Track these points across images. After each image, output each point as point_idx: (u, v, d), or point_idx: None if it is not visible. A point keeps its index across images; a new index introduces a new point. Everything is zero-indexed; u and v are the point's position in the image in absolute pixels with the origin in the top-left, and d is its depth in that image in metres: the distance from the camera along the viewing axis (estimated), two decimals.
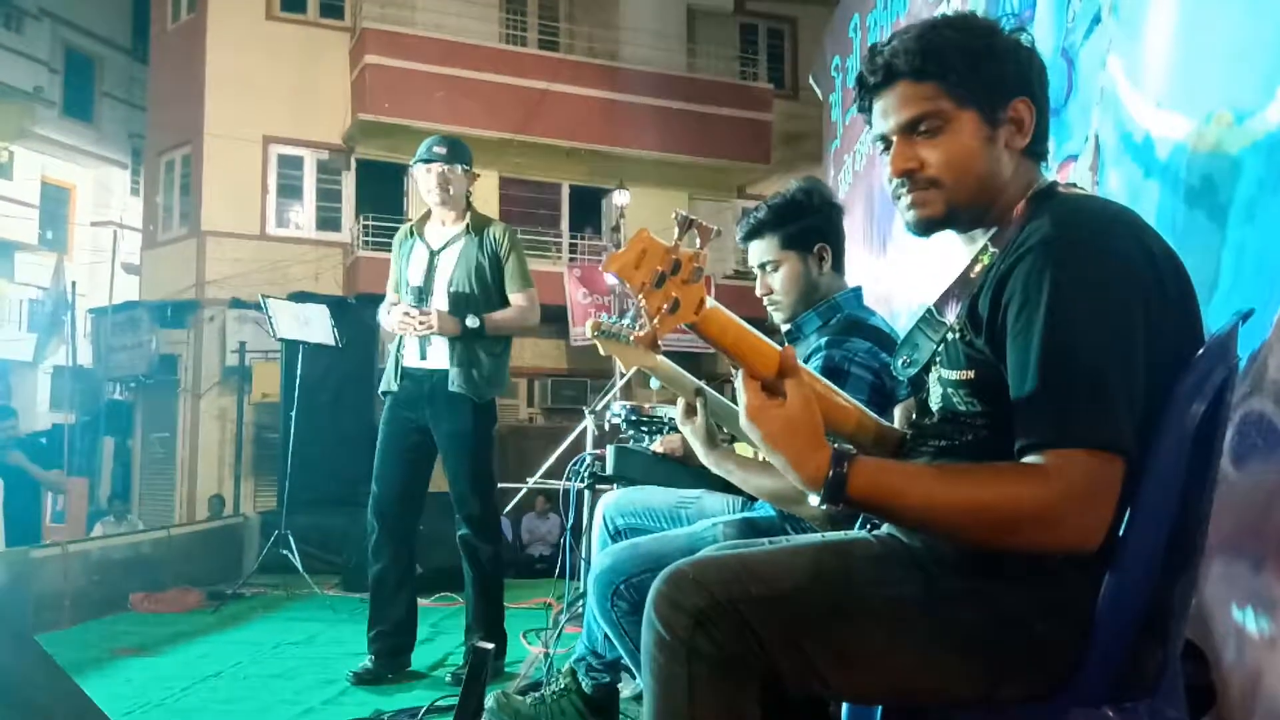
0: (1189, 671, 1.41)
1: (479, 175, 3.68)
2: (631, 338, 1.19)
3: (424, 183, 3.54)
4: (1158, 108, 1.93)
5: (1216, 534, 1.57)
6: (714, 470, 1.75)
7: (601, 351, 1.67)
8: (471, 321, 3.45)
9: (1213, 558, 1.64)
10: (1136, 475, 1.13)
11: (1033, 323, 1.12)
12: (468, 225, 3.58)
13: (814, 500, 1.15)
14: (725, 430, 1.80)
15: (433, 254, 3.59)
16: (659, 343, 1.20)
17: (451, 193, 3.53)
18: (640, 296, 1.17)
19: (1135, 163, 1.99)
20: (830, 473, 1.13)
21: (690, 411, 1.68)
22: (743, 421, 1.19)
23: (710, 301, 1.21)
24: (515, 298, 3.61)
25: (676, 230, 1.19)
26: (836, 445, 1.17)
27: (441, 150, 3.53)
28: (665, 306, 1.16)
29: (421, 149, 3.57)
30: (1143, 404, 1.11)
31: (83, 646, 4.13)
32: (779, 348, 1.37)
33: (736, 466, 1.73)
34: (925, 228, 1.32)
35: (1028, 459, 1.11)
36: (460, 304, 3.51)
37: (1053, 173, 1.35)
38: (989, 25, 1.29)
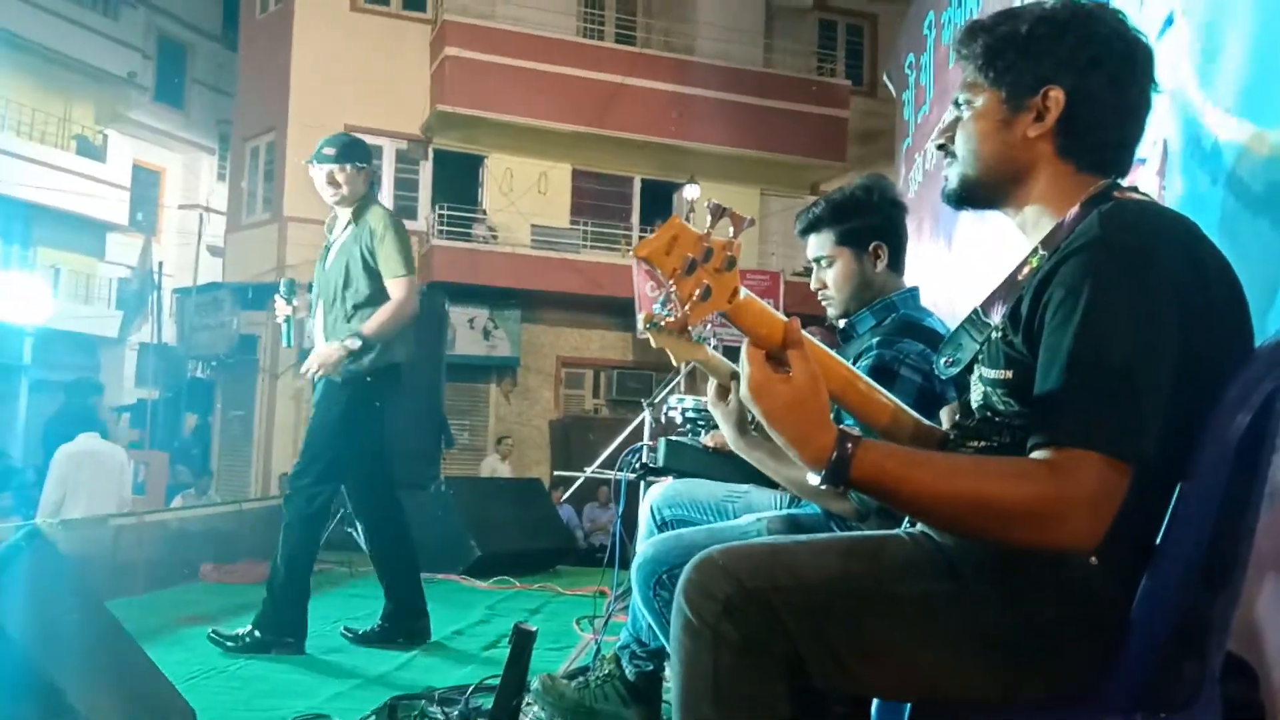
0: (1236, 688, 1.39)
1: (369, 169, 3.73)
2: (662, 323, 1.21)
3: (316, 182, 3.65)
4: (1227, 114, 1.88)
5: (1270, 548, 1.53)
6: (744, 456, 1.74)
7: (654, 344, 1.69)
8: (352, 343, 3.47)
9: (1265, 573, 1.60)
10: (1171, 485, 1.12)
11: (1068, 321, 1.12)
12: (351, 216, 3.65)
13: (814, 480, 1.15)
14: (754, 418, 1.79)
15: (325, 251, 3.73)
16: (690, 331, 1.21)
17: (345, 191, 3.62)
18: (671, 283, 1.18)
19: (1202, 169, 1.94)
20: (834, 454, 1.12)
21: (723, 394, 1.67)
22: (744, 393, 1.17)
23: (745, 292, 1.22)
24: (390, 286, 3.58)
25: (709, 218, 1.20)
26: (843, 427, 1.16)
27: (330, 151, 3.63)
28: (697, 293, 1.17)
29: (315, 150, 3.67)
30: (1167, 416, 1.09)
31: (153, 614, 4.29)
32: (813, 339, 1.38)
33: (768, 455, 1.71)
34: (949, 198, 1.37)
35: (1038, 454, 1.11)
36: (330, 306, 3.63)
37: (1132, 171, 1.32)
38: (1041, 12, 1.27)
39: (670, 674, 1.28)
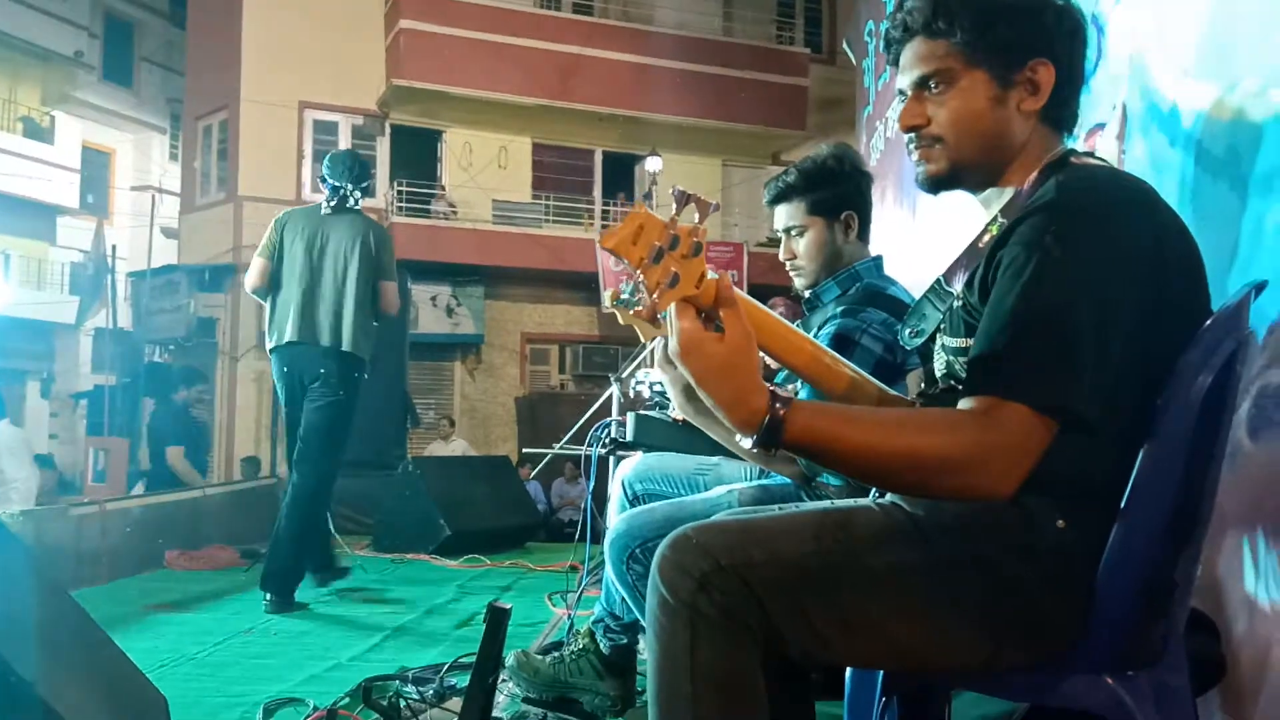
0: (1199, 643, 1.42)
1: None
2: (631, 310, 1.20)
3: None
4: (1185, 76, 1.90)
5: (1231, 506, 1.57)
6: (692, 422, 1.73)
7: (621, 321, 1.68)
8: None
9: (1226, 530, 1.64)
10: (1136, 446, 1.13)
11: (1016, 279, 1.12)
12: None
13: (745, 443, 1.14)
14: None
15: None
16: (659, 316, 1.19)
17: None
18: (639, 272, 1.17)
19: (1161, 132, 1.96)
20: (767, 416, 1.11)
21: (670, 358, 1.65)
22: (672, 349, 1.14)
23: (712, 274, 1.22)
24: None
25: (674, 205, 1.19)
26: (773, 387, 1.14)
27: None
28: (664, 281, 1.16)
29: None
30: (1126, 378, 1.11)
31: (119, 602, 4.24)
32: (791, 325, 1.37)
33: (715, 421, 1.70)
34: (931, 184, 1.33)
35: (966, 403, 1.12)
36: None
37: (1080, 141, 1.33)
38: None
39: (646, 651, 1.29)
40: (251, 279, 4.26)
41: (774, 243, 2.29)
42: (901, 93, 1.34)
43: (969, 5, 1.25)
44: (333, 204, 4.32)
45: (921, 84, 1.29)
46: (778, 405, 1.12)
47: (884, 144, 5.22)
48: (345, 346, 4.14)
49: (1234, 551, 1.64)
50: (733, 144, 14.47)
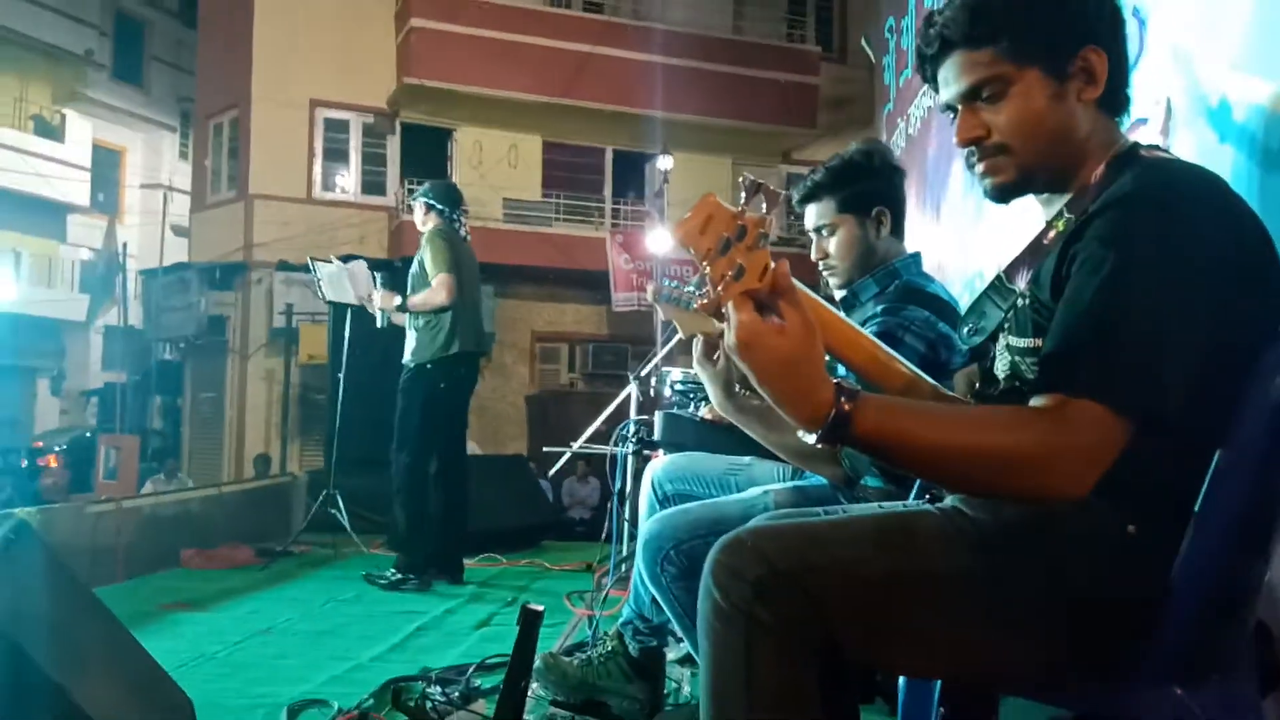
0: (1261, 651, 1.38)
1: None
2: (695, 304, 1.16)
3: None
4: (1234, 69, 1.86)
5: None
6: (732, 420, 1.69)
7: (660, 317, 1.65)
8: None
9: None
10: (1209, 450, 1.09)
11: (1095, 274, 1.08)
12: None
13: (809, 439, 1.09)
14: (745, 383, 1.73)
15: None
16: (723, 310, 1.16)
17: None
18: (704, 264, 1.14)
19: (1210, 126, 1.92)
20: (833, 411, 1.06)
21: (710, 352, 1.60)
22: (729, 343, 1.08)
23: (773, 266, 1.18)
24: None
25: (744, 195, 1.15)
26: (838, 381, 1.09)
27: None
28: (730, 273, 1.13)
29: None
30: (1203, 380, 1.06)
31: (135, 600, 4.23)
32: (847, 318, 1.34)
33: (756, 419, 1.67)
34: (1002, 194, 1.28)
35: (1039, 400, 1.08)
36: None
37: (1129, 132, 1.29)
38: None
39: (698, 657, 1.25)
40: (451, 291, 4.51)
41: (784, 241, 2.26)
42: (950, 107, 1.29)
43: (1009, 6, 1.21)
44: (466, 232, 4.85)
45: (972, 95, 1.25)
46: (844, 400, 1.07)
47: (905, 141, 5.18)
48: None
49: None
50: (743, 142, 14.40)
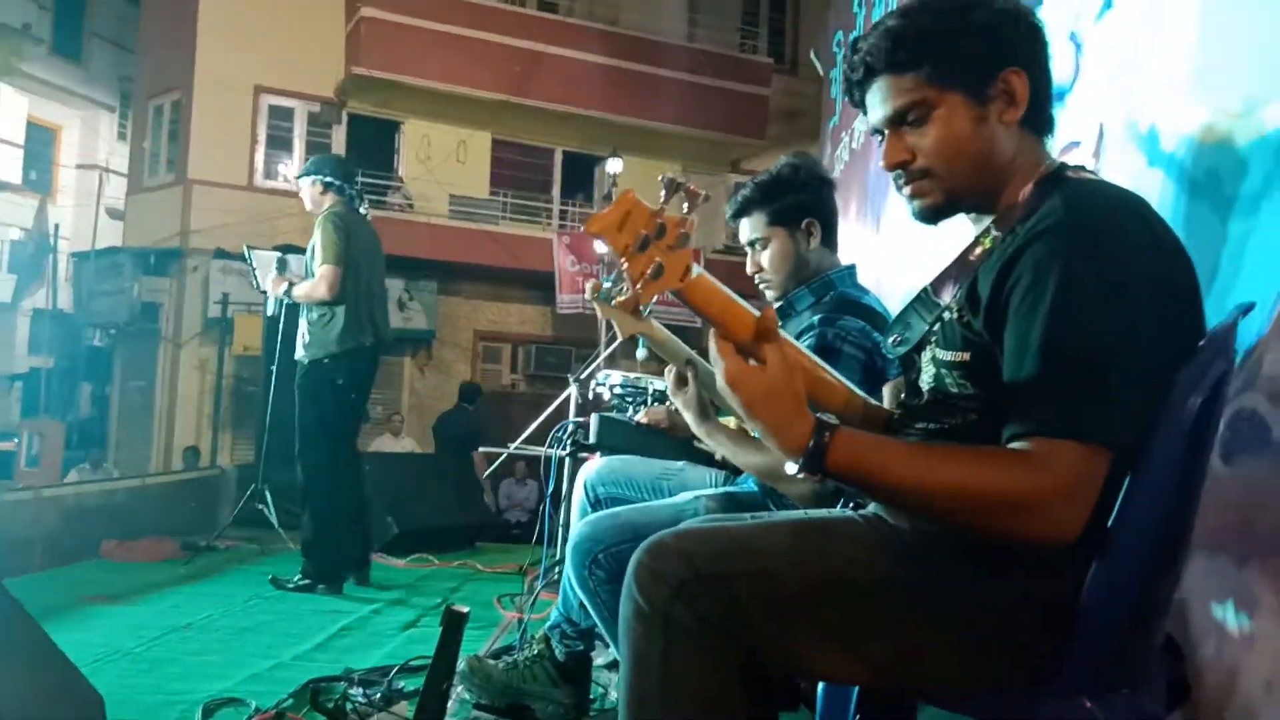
0: (1166, 665, 1.41)
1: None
2: (614, 301, 1.16)
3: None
4: (1166, 96, 1.90)
5: (1201, 529, 1.56)
6: (706, 443, 1.72)
7: (600, 315, 1.65)
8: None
9: (1195, 552, 1.63)
10: (1129, 466, 1.12)
11: (1037, 307, 1.10)
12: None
13: (791, 469, 1.14)
14: (716, 402, 1.78)
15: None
16: (641, 308, 1.16)
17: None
18: (623, 260, 1.14)
19: (1140, 151, 1.97)
20: (811, 442, 1.11)
21: (681, 382, 1.66)
22: (720, 386, 1.16)
23: (697, 269, 1.19)
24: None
25: (663, 193, 1.15)
26: (820, 415, 1.15)
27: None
28: (648, 271, 1.13)
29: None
30: (1144, 402, 1.09)
31: (52, 592, 4.11)
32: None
33: (727, 440, 1.70)
34: (929, 216, 1.30)
35: (1016, 445, 1.10)
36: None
37: (1055, 155, 1.31)
38: (965, 1, 1.25)
39: (618, 658, 1.25)
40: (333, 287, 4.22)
41: (730, 250, 2.29)
42: (877, 132, 1.31)
43: (929, 33, 1.23)
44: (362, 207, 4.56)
45: (898, 119, 1.27)
46: (824, 432, 1.11)
47: (849, 154, 5.24)
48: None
49: (1202, 574, 1.64)
50: (693, 150, 14.45)
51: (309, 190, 4.42)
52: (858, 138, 5.04)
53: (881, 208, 4.34)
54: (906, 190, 1.30)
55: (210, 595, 4.23)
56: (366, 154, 13.29)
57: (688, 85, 13.82)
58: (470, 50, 12.75)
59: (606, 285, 1.30)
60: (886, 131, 1.29)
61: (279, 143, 13.17)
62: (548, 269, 12.95)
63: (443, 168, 13.43)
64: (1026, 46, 1.25)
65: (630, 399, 2.96)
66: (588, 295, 1.47)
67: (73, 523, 5.28)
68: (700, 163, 14.55)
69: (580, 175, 14.66)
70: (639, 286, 1.15)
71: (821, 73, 6.53)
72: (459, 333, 13.87)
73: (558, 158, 14.53)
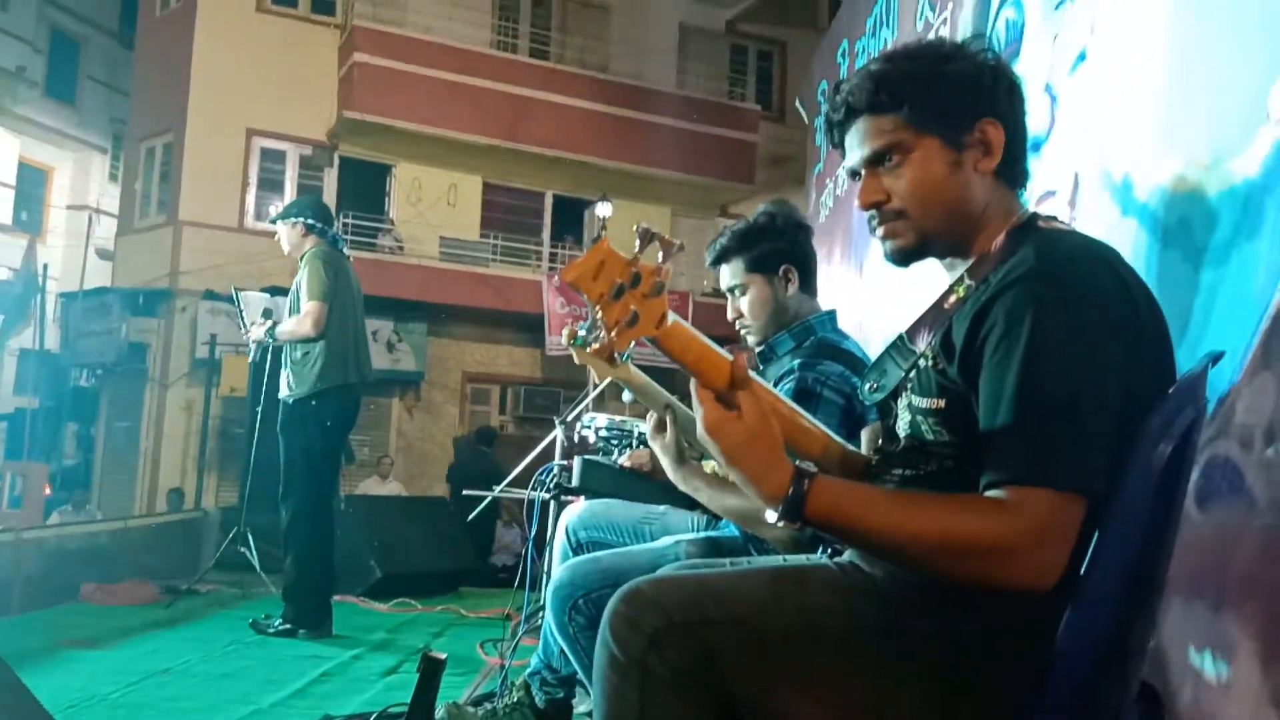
0: (1143, 711, 1.41)
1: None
2: (588, 349, 1.17)
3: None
4: (1138, 147, 1.94)
5: (1177, 575, 1.56)
6: (682, 488, 1.73)
7: (576, 360, 1.67)
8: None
9: (1172, 599, 1.64)
10: (1101, 512, 1.12)
11: (1011, 356, 1.11)
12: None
13: (771, 517, 1.13)
14: (694, 447, 1.78)
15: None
16: (616, 356, 1.17)
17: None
18: (597, 308, 1.15)
19: (1114, 201, 2.00)
20: (790, 490, 1.11)
21: (660, 427, 1.67)
22: (700, 434, 1.16)
23: (673, 317, 1.20)
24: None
25: (637, 243, 1.17)
26: (799, 463, 1.15)
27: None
28: (623, 319, 1.14)
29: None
30: (1116, 445, 1.10)
31: (30, 636, 4.06)
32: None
33: (705, 484, 1.71)
34: (900, 258, 1.32)
35: (992, 493, 1.10)
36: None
37: (1031, 204, 1.34)
38: (947, 50, 1.29)
39: (592, 708, 1.24)
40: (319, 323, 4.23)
41: (717, 293, 2.32)
42: (854, 173, 1.34)
43: (911, 77, 1.26)
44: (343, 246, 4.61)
45: (876, 160, 1.29)
46: (803, 480, 1.11)
47: (833, 201, 5.29)
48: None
49: (1179, 620, 1.64)
50: (682, 194, 14.57)
51: (288, 232, 4.44)
52: (842, 184, 5.09)
53: (865, 253, 4.38)
54: (880, 231, 1.32)
55: (190, 640, 4.18)
56: (358, 196, 13.38)
57: (677, 131, 13.97)
58: (462, 95, 12.88)
59: (582, 332, 1.31)
60: (864, 172, 1.31)
61: (270, 185, 13.22)
62: (537, 311, 12.97)
63: (433, 210, 13.50)
64: (1005, 100, 1.28)
65: (615, 442, 2.96)
66: (564, 341, 1.48)
67: (53, 565, 5.23)
68: (689, 207, 14.68)
69: (570, 218, 14.75)
70: (613, 334, 1.16)
71: (807, 120, 6.61)
72: (448, 374, 13.85)
73: (548, 201, 14.62)
